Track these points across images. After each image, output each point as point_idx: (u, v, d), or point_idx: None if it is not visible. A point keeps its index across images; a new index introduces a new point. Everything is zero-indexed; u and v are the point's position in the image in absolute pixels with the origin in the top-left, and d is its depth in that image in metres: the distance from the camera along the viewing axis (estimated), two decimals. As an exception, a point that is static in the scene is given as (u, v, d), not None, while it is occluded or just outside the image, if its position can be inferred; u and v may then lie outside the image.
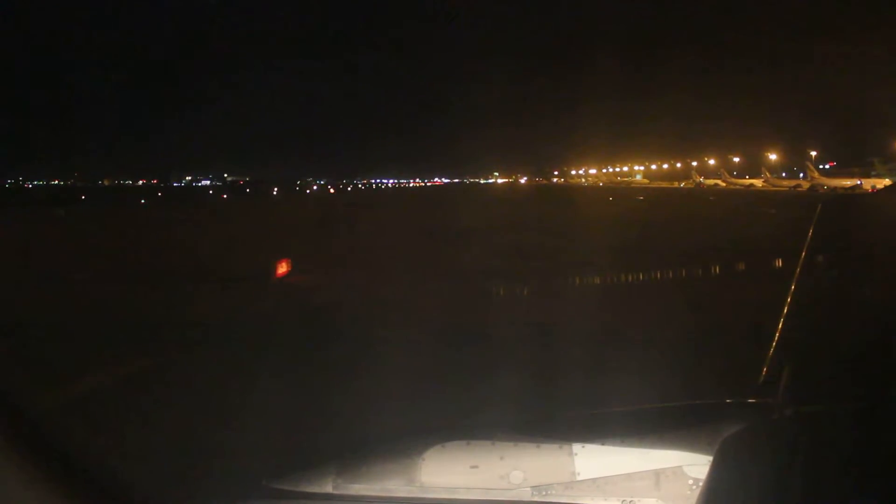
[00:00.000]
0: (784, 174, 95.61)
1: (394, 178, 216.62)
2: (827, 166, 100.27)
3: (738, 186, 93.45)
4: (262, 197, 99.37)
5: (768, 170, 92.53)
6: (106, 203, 74.55)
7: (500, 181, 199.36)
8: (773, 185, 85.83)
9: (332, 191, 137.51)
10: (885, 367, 2.72)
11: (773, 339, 3.06)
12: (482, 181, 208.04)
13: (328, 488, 2.66)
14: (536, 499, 2.67)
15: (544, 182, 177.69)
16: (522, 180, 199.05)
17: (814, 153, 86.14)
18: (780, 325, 3.11)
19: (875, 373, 2.71)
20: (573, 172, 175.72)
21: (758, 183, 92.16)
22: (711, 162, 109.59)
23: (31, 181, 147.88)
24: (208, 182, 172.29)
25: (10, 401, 1.94)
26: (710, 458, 2.45)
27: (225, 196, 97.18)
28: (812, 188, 73.34)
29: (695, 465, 2.59)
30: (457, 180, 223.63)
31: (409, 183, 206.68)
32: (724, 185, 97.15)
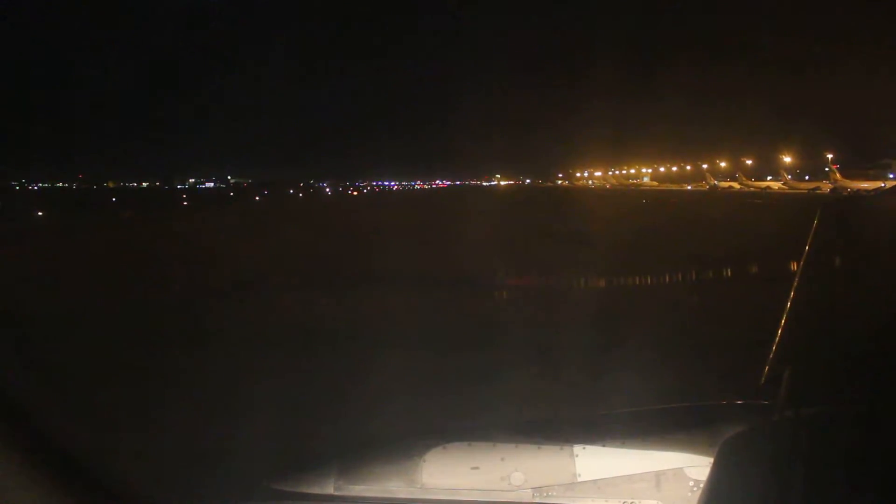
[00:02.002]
0: (789, 176, 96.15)
1: (394, 181, 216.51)
2: (832, 168, 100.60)
3: (753, 189, 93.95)
4: (285, 199, 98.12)
5: (783, 172, 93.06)
6: (152, 205, 70.78)
7: (502, 183, 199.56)
8: (792, 188, 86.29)
9: (354, 193, 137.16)
10: (883, 370, 2.74)
11: (773, 342, 3.09)
12: (484, 183, 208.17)
13: (330, 489, 2.69)
14: (537, 500, 2.70)
15: (549, 185, 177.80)
16: (526, 182, 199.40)
17: (830, 155, 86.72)
18: (780, 328, 3.13)
19: (874, 375, 2.73)
20: (577, 175, 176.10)
21: (774, 185, 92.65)
22: (722, 164, 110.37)
23: (34, 183, 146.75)
24: (212, 184, 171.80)
25: (12, 402, 1.95)
26: (711, 460, 2.47)
27: (257, 198, 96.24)
28: (834, 191, 73.38)
29: (695, 467, 2.62)
30: (458, 182, 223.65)
31: (413, 185, 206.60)
32: (738, 187, 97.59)
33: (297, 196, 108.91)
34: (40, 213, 54.67)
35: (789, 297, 3.28)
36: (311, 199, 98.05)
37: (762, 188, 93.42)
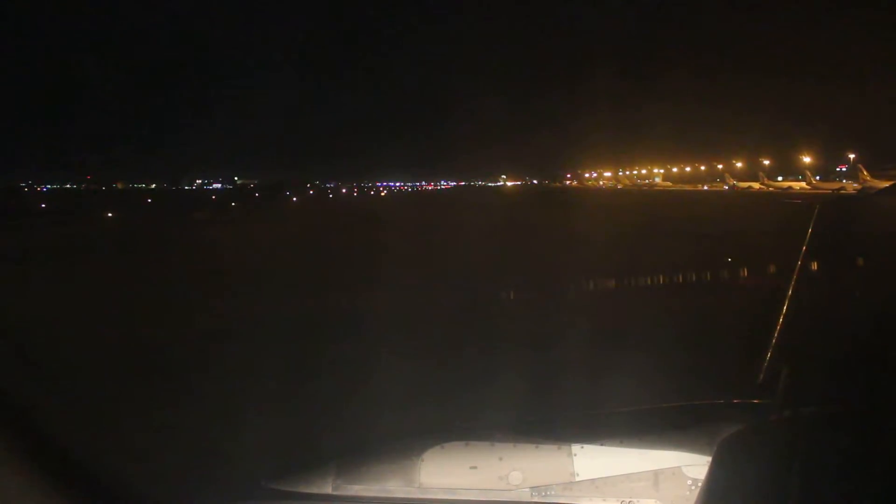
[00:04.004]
0: (802, 177, 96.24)
1: (399, 181, 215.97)
2: (840, 169, 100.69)
3: (773, 189, 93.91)
4: (323, 200, 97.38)
5: (807, 173, 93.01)
6: (199, 206, 65.68)
7: (508, 184, 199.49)
8: (815, 188, 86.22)
9: (382, 193, 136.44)
10: (881, 369, 2.75)
11: (770, 342, 3.08)
12: (491, 184, 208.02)
13: (328, 489, 2.70)
14: (535, 499, 2.70)
15: (557, 185, 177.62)
16: (532, 183, 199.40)
17: (853, 155, 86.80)
18: (777, 328, 3.13)
19: (872, 375, 2.74)
20: (586, 175, 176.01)
21: (795, 185, 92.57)
22: (738, 165, 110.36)
23: (43, 185, 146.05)
24: (219, 185, 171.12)
25: (12, 402, 1.96)
26: (709, 459, 2.48)
27: (294, 199, 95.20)
28: (863, 190, 73.07)
29: (693, 466, 2.63)
30: (463, 183, 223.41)
31: (422, 185, 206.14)
32: (758, 187, 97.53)
33: (326, 196, 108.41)
34: (110, 214, 53.20)
35: (787, 296, 3.27)
36: (349, 199, 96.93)
37: (784, 188, 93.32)
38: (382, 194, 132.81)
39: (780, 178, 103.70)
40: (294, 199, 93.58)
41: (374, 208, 61.32)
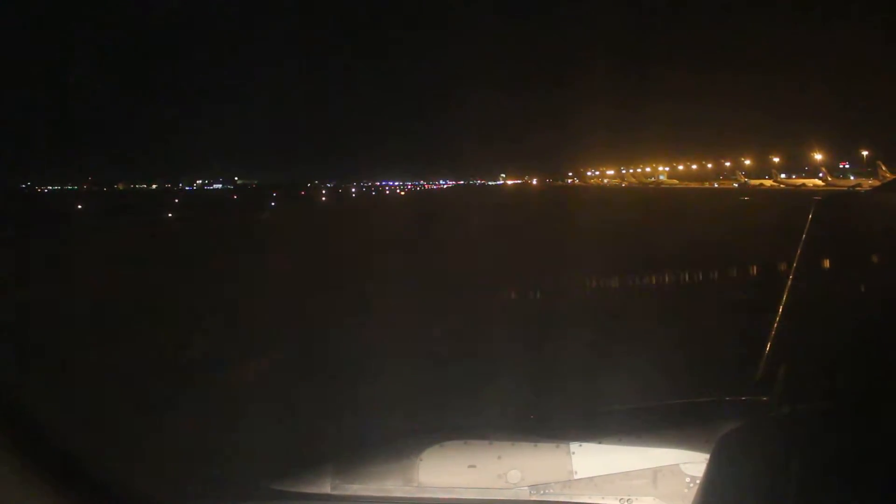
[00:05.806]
0: (805, 173, 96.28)
1: (398, 180, 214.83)
2: (842, 166, 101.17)
3: (784, 186, 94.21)
4: (351, 199, 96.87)
5: (823, 169, 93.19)
6: (242, 207, 66.54)
7: (508, 183, 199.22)
8: (830, 185, 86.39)
9: (402, 193, 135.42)
10: (879, 366, 2.75)
11: (768, 338, 3.08)
12: (490, 183, 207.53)
13: (326, 489, 2.70)
14: (534, 498, 2.70)
15: (559, 184, 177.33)
16: (533, 182, 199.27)
17: (866, 153, 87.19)
18: (775, 324, 3.12)
19: (869, 371, 2.74)
20: (588, 173, 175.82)
21: (809, 182, 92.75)
22: (747, 162, 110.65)
23: (44, 186, 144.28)
24: (220, 185, 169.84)
25: (12, 401, 1.96)
26: (707, 456, 2.48)
27: (323, 198, 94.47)
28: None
29: (692, 463, 2.63)
30: (461, 182, 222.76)
31: (423, 185, 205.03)
32: (769, 184, 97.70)
33: (345, 196, 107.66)
34: (170, 215, 52.26)
35: (785, 292, 3.25)
36: (375, 199, 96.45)
37: (797, 185, 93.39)
38: (401, 194, 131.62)
39: (782, 176, 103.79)
40: (322, 198, 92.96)
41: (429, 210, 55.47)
